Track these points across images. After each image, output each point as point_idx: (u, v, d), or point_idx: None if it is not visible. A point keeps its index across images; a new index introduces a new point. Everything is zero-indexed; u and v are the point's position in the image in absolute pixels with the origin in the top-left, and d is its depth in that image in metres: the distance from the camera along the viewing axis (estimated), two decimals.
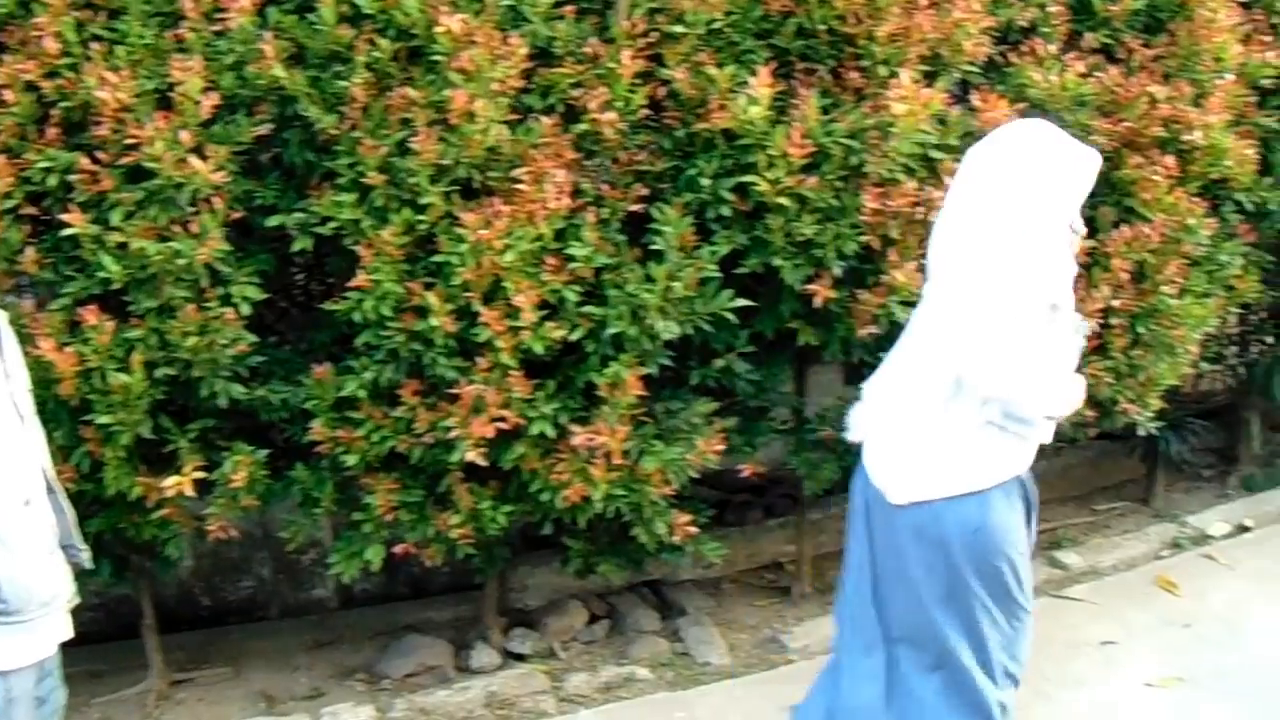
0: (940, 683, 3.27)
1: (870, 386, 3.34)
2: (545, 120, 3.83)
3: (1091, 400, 4.11)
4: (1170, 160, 4.36)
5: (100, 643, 4.61)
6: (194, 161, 3.55)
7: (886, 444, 3.26)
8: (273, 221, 3.84)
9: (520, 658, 4.72)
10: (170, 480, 3.79)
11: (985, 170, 3.08)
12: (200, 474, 3.84)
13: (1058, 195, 3.06)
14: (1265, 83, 4.82)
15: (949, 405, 3.09)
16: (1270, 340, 5.99)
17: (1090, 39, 4.55)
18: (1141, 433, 4.84)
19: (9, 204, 3.60)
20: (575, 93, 3.90)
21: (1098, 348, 4.38)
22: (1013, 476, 3.19)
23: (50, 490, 2.80)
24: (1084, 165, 3.10)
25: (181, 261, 3.60)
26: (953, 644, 3.22)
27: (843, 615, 3.52)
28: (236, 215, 3.73)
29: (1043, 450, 3.28)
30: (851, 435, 3.39)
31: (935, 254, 3.19)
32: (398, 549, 4.09)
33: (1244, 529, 5.61)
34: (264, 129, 3.77)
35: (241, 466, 3.83)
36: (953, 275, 3.09)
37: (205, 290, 3.72)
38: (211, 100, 3.61)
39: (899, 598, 3.28)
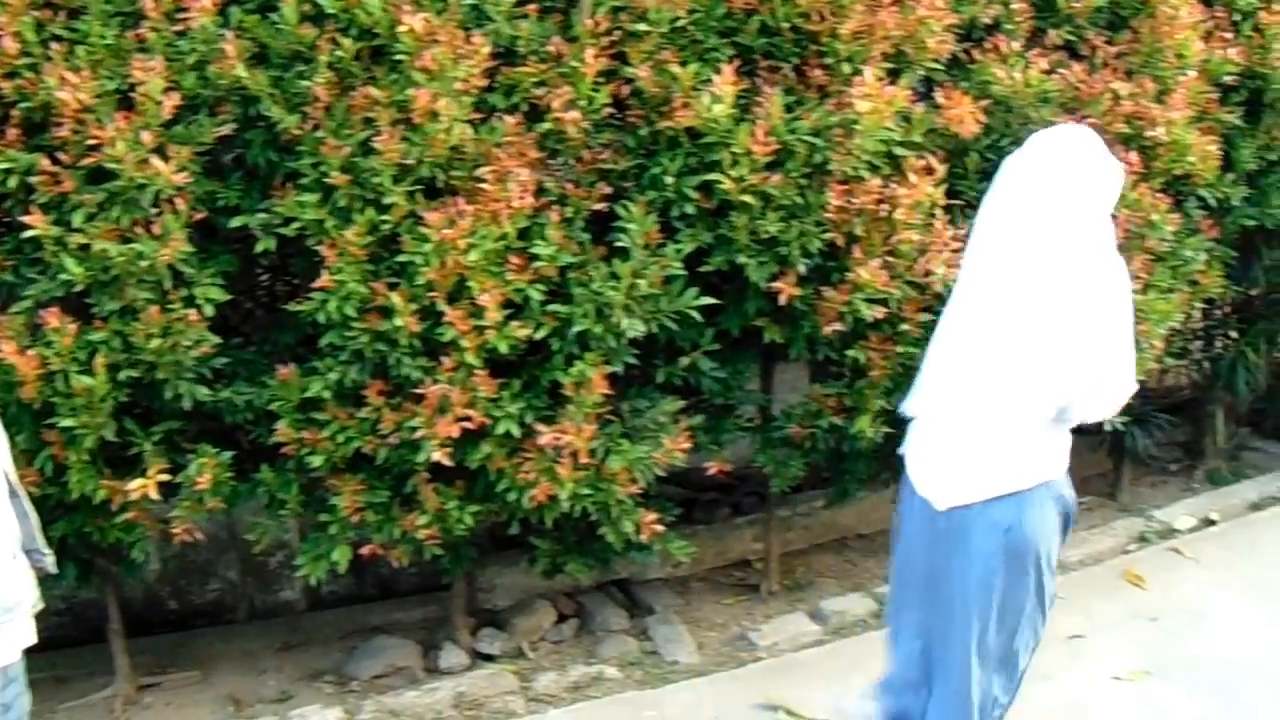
0: (956, 684, 3.29)
1: (915, 405, 3.31)
2: (509, 119, 3.82)
3: None
4: (1134, 156, 4.38)
5: (66, 648, 4.58)
6: (156, 162, 3.53)
7: (934, 455, 3.25)
8: (236, 222, 3.82)
9: (489, 658, 4.71)
10: (135, 483, 3.77)
11: (1048, 179, 2.99)
12: (165, 476, 3.82)
13: (1109, 202, 3.08)
14: (1227, 79, 4.86)
15: (1010, 417, 3.07)
16: (1234, 335, 6.04)
17: (1053, 36, 4.58)
18: (1107, 428, 4.87)
19: None
20: (539, 92, 3.89)
21: None
22: (1051, 480, 3.17)
23: (13, 494, 2.78)
24: (1120, 171, 3.13)
25: (144, 263, 3.58)
26: (972, 643, 3.23)
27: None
28: (199, 216, 3.72)
29: None
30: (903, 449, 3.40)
31: (987, 265, 3.10)
32: (365, 550, 4.08)
33: (1209, 522, 5.66)
34: (226, 129, 3.75)
35: (206, 469, 3.81)
36: (1021, 291, 3.01)
37: (168, 292, 3.70)
38: (173, 100, 3.58)
39: (932, 596, 3.30)
